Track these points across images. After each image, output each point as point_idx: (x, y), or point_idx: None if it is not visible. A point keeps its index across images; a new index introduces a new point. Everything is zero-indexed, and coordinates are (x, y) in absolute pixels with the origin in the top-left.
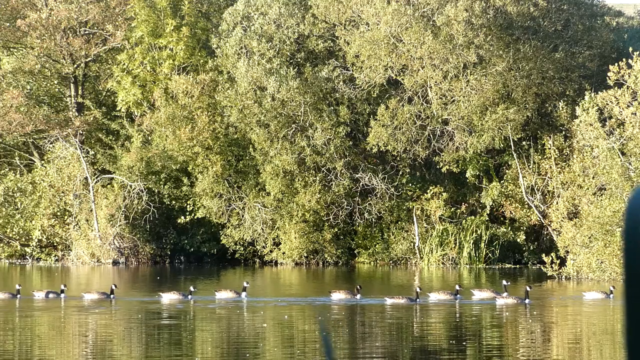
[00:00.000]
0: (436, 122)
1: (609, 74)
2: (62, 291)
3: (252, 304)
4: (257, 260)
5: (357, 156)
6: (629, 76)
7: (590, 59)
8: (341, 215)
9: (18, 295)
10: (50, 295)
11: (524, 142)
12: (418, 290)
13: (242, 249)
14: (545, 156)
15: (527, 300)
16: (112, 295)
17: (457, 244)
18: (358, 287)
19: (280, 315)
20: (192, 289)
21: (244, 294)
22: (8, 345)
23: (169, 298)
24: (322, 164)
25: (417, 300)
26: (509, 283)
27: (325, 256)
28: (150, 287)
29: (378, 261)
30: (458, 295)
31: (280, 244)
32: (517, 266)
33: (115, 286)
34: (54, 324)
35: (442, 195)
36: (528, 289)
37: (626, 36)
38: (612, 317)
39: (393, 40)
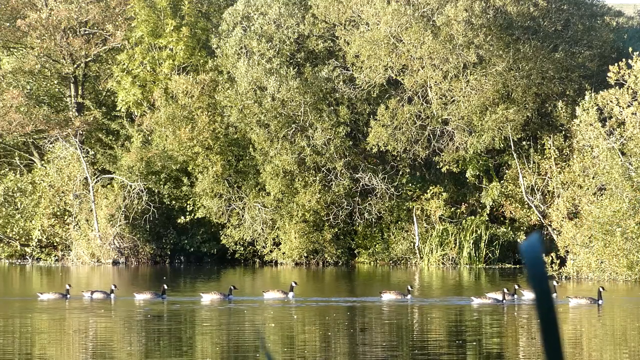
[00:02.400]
0: (436, 122)
1: (609, 74)
2: (112, 291)
3: (299, 303)
4: (257, 260)
5: (357, 156)
6: (629, 76)
7: (590, 59)
8: (341, 215)
9: (68, 296)
10: (96, 295)
11: (524, 142)
12: (505, 291)
13: (242, 249)
14: (545, 156)
15: (599, 301)
16: (164, 296)
17: (457, 244)
18: (409, 287)
19: (329, 314)
20: (232, 287)
21: (291, 294)
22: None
23: (209, 298)
24: (322, 164)
25: (504, 301)
26: (558, 284)
27: (325, 256)
28: (183, 288)
29: (378, 261)
30: (515, 295)
31: (280, 244)
32: (517, 266)
33: (167, 286)
34: (121, 325)
35: (442, 195)
36: (601, 289)
37: (626, 36)
38: None
39: (393, 40)
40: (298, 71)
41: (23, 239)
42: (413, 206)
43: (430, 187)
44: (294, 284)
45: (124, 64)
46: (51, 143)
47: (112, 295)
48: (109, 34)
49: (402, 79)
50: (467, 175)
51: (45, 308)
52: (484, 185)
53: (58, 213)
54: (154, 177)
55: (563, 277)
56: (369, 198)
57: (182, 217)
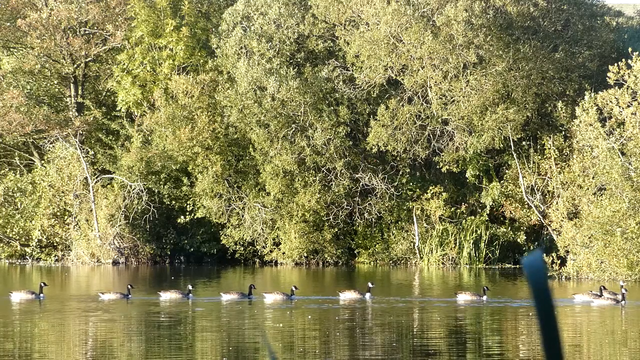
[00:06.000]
0: (436, 122)
1: (608, 74)
2: (190, 292)
3: (376, 304)
4: (257, 260)
5: (357, 156)
6: (629, 76)
7: (590, 59)
8: (341, 215)
9: (129, 296)
10: (171, 296)
11: (523, 142)
12: (624, 291)
13: (242, 249)
14: (545, 156)
15: None
16: (251, 296)
17: (457, 244)
18: (485, 288)
19: (413, 314)
20: (294, 288)
21: (367, 295)
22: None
23: (272, 298)
24: (322, 164)
25: (622, 302)
26: (626, 283)
27: (325, 256)
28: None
29: (378, 261)
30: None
31: (280, 244)
32: (517, 266)
33: (254, 286)
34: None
35: (442, 195)
36: None
37: (626, 36)
38: None
39: (393, 40)
40: (298, 71)
41: (23, 239)
42: (413, 206)
43: (430, 187)
44: (370, 285)
45: (124, 64)
46: (51, 143)
47: (190, 296)
48: (109, 34)
49: (402, 79)
50: (467, 175)
51: (108, 308)
52: (484, 185)
53: (58, 213)
54: (154, 177)
55: (563, 277)
56: (369, 198)
57: (182, 217)
